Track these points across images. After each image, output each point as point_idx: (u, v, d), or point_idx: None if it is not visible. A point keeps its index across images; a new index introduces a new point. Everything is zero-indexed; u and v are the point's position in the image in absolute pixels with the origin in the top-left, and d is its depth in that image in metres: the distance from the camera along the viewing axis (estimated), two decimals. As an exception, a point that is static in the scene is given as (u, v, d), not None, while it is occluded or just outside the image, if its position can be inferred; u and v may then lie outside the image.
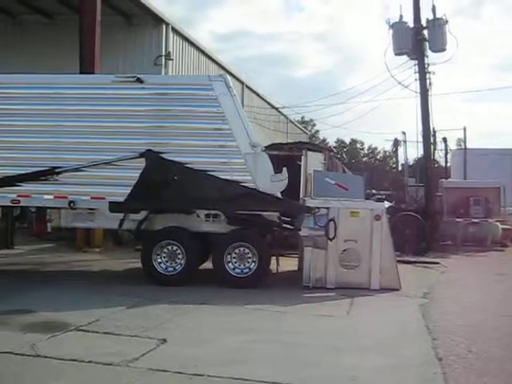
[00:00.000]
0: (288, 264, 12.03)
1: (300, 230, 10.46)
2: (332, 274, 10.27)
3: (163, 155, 10.35)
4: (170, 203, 10.40)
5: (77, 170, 10.39)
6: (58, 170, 10.42)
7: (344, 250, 10.38)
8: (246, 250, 10.42)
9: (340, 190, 10.74)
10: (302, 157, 12.38)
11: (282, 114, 33.55)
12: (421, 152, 21.43)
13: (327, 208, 10.35)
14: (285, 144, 16.02)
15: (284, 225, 10.56)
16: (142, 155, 10.33)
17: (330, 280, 10.27)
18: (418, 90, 19.28)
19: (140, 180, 10.33)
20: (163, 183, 10.37)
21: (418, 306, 9.15)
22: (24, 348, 6.19)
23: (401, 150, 28.62)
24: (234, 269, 10.42)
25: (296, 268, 11.85)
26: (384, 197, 22.88)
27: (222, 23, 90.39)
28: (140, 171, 10.34)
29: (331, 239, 10.21)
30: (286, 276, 11.41)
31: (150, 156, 10.34)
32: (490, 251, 17.55)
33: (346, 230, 10.31)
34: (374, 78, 54.29)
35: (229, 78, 10.93)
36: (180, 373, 5.60)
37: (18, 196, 10.63)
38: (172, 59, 17.76)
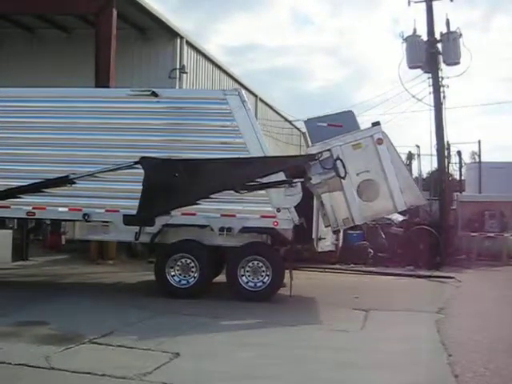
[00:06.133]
0: (301, 278, 11.99)
1: (311, 179, 10.34)
2: (357, 211, 10.26)
3: None
4: (178, 201, 10.42)
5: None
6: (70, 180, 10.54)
7: (360, 184, 10.28)
8: (260, 264, 10.40)
9: (335, 129, 10.66)
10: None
11: (295, 127, 33.58)
12: (435, 165, 21.34)
13: (329, 150, 10.31)
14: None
15: (295, 180, 10.30)
16: (136, 163, 10.39)
17: (357, 217, 10.31)
18: (432, 104, 19.24)
19: (144, 189, 10.38)
20: (166, 184, 10.41)
21: (434, 321, 9.05)
22: (38, 360, 6.21)
23: (414, 164, 28.54)
24: (247, 282, 10.40)
25: (308, 282, 11.77)
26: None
27: (232, 37, 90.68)
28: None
29: (343, 177, 10.18)
30: (299, 289, 11.34)
31: (145, 162, 10.39)
32: (506, 266, 17.33)
33: (355, 163, 10.27)
34: (387, 92, 54.37)
35: (243, 91, 10.97)
36: (194, 387, 5.59)
37: (34, 208, 10.72)
38: (186, 72, 17.85)
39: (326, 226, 10.72)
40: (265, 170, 10.29)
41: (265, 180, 10.29)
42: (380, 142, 10.35)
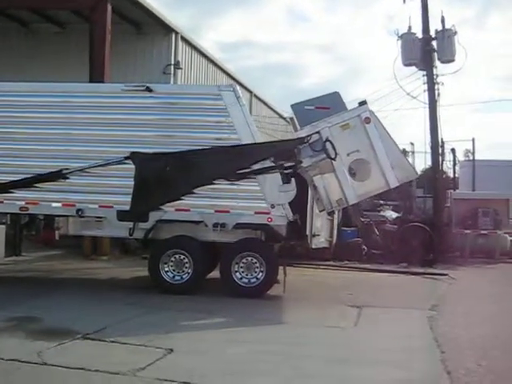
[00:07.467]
0: (295, 274, 12.00)
1: (301, 162, 10.32)
2: (350, 191, 10.31)
3: None
4: (171, 194, 10.40)
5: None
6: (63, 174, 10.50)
7: (351, 164, 10.29)
8: (254, 260, 10.38)
9: (322, 111, 10.67)
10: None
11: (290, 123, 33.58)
12: (429, 163, 21.40)
13: (318, 132, 10.32)
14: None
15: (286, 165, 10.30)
16: (126, 158, 10.37)
17: (351, 197, 10.36)
18: (427, 101, 19.26)
19: (136, 184, 10.36)
20: (157, 178, 10.38)
21: (427, 318, 9.07)
22: (31, 356, 6.19)
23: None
24: (241, 278, 10.39)
25: (302, 278, 11.79)
26: (391, 207, 22.81)
27: (226, 33, 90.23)
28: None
29: (334, 158, 10.20)
30: (293, 286, 11.35)
31: (136, 157, 10.37)
32: (499, 263, 17.41)
33: (344, 144, 10.28)
34: (382, 89, 54.36)
35: (238, 87, 10.95)
36: (187, 383, 5.58)
37: (27, 203, 10.67)
38: (181, 68, 17.82)
39: (320, 211, 10.72)
40: (255, 156, 10.28)
41: (256, 167, 10.27)
42: (368, 120, 10.36)
